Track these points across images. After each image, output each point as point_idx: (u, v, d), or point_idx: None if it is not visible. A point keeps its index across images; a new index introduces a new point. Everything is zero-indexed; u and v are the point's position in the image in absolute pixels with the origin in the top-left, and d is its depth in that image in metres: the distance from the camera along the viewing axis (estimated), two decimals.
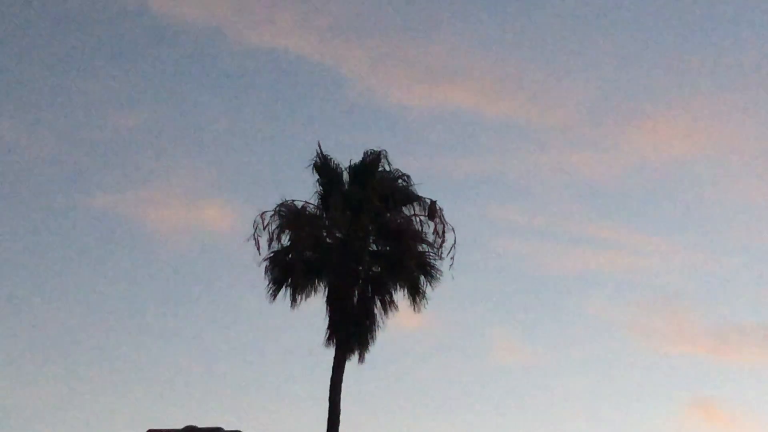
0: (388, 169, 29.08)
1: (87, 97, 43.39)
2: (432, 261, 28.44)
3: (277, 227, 28.34)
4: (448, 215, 28.70)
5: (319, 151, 29.02)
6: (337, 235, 28.75)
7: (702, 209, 44.32)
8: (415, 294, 28.22)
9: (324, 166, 29.02)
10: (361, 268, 28.46)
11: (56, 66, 44.50)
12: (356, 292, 28.35)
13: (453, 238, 28.43)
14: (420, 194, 28.98)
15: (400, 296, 28.37)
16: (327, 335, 28.17)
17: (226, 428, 12.23)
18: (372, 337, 28.27)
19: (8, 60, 43.52)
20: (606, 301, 43.72)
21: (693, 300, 44.34)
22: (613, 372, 42.69)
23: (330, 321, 28.18)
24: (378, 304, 28.45)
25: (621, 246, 44.21)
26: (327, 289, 28.38)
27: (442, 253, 28.39)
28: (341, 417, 27.47)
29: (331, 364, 27.86)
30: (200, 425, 12.29)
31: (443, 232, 28.50)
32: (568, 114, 44.21)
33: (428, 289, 28.36)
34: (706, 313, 44.69)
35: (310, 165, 29.03)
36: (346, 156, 29.22)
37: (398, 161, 29.25)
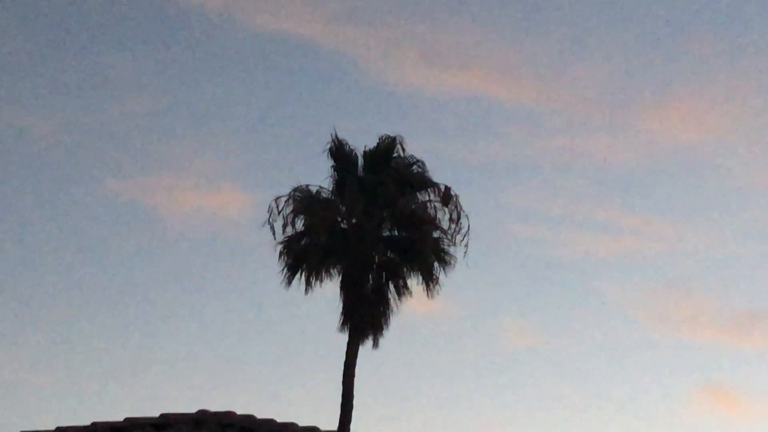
0: (402, 154, 29.06)
1: (99, 83, 43.40)
2: (446, 247, 28.42)
3: (291, 212, 28.35)
4: (462, 201, 28.67)
5: (334, 137, 29.01)
6: (352, 220, 28.73)
7: (717, 194, 44.19)
8: (429, 280, 28.19)
9: (339, 152, 28.98)
10: (375, 253, 28.44)
11: (68, 51, 44.51)
12: (370, 277, 28.35)
13: (467, 224, 28.44)
14: (435, 180, 28.95)
15: (414, 282, 28.37)
16: (341, 320, 28.19)
17: (238, 412, 12.23)
18: (386, 323, 28.28)
19: (20, 45, 43.55)
20: (620, 287, 43.65)
21: (706, 285, 44.25)
22: (627, 357, 42.65)
23: (344, 306, 28.18)
24: (392, 289, 28.45)
25: (635, 231, 44.12)
26: (341, 275, 28.37)
27: (456, 239, 28.38)
28: (354, 402, 27.50)
29: (345, 349, 27.88)
30: (212, 410, 12.27)
31: (458, 218, 28.47)
32: (582, 99, 44.08)
33: (442, 275, 28.36)
34: (720, 298, 44.59)
35: (324, 150, 29.02)
36: (360, 141, 29.22)
37: (413, 147, 29.23)
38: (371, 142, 29.08)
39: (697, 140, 43.87)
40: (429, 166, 29.00)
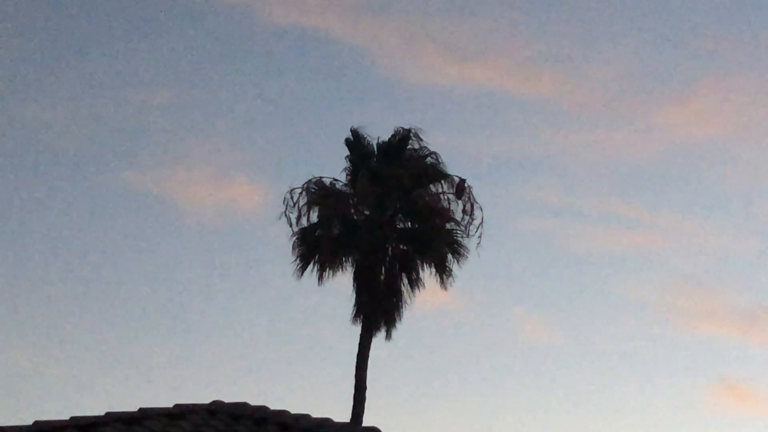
0: (417, 146, 29.06)
1: (116, 74, 43.46)
2: (459, 239, 28.43)
3: (305, 204, 28.40)
4: (476, 194, 28.67)
5: (350, 128, 29.06)
6: (366, 212, 28.77)
7: (733, 190, 44.01)
8: (442, 272, 28.19)
9: (354, 143, 29.02)
10: (388, 245, 28.46)
11: (85, 42, 44.59)
12: (383, 269, 28.35)
13: (480, 217, 28.45)
14: (449, 172, 28.95)
15: (427, 274, 28.37)
16: (354, 312, 28.23)
17: (251, 404, 12.27)
18: (399, 314, 28.29)
19: (37, 36, 43.67)
20: (635, 281, 43.54)
21: (722, 280, 44.11)
22: (641, 351, 42.54)
23: (357, 298, 28.21)
24: (405, 281, 28.45)
25: (651, 226, 43.99)
26: (354, 266, 28.40)
27: (469, 231, 28.39)
28: (367, 393, 27.54)
29: (358, 341, 27.92)
30: (226, 400, 12.34)
31: (472, 210, 28.48)
32: (598, 93, 43.99)
33: (455, 267, 28.36)
34: (735, 293, 44.45)
35: (340, 142, 29.08)
36: (375, 134, 29.22)
37: (428, 139, 29.20)
38: (386, 135, 29.13)
39: (714, 136, 43.76)
40: (444, 158, 29.03)
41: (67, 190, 43.14)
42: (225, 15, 43.73)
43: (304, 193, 28.50)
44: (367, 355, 27.74)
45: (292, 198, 28.40)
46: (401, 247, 28.64)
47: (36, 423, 12.27)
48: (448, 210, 28.68)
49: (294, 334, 40.05)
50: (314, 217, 28.51)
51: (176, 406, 13.10)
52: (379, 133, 29.20)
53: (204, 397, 13.41)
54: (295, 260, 28.27)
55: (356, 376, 27.54)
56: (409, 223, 28.93)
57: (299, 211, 28.33)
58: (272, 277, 39.26)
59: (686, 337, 43.24)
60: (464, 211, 28.48)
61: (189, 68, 43.84)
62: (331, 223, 28.26)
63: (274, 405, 13.08)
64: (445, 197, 28.88)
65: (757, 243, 43.12)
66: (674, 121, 43.26)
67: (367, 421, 26.93)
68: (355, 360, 27.73)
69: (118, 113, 42.60)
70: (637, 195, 44.10)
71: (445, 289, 28.41)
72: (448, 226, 28.59)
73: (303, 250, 28.27)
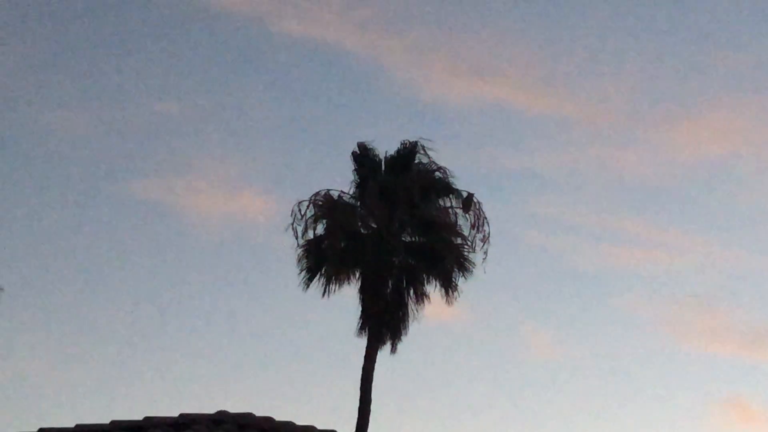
0: (425, 160, 29.06)
1: (124, 84, 43.60)
2: (466, 254, 28.38)
3: (312, 216, 28.41)
4: (484, 209, 28.64)
5: (357, 143, 29.07)
6: (372, 225, 28.77)
7: (739, 208, 44.03)
8: (448, 286, 28.17)
9: (362, 157, 29.04)
10: (395, 258, 28.44)
11: (96, 51, 44.74)
12: (390, 282, 28.34)
13: (487, 232, 28.41)
14: (457, 187, 28.93)
15: (433, 288, 28.35)
16: (359, 325, 28.22)
17: (257, 414, 12.32)
18: (404, 328, 28.28)
19: (48, 43, 43.81)
20: (641, 299, 43.57)
21: (728, 299, 44.09)
22: (646, 369, 42.54)
23: (363, 311, 28.21)
24: (411, 295, 28.43)
25: (657, 244, 44.03)
26: (360, 279, 28.39)
27: (475, 246, 28.35)
28: (372, 407, 27.53)
29: (363, 354, 27.91)
30: (232, 411, 12.38)
31: (480, 225, 28.43)
32: (607, 110, 44.05)
33: (461, 282, 28.33)
34: (741, 311, 44.43)
35: (348, 155, 29.09)
36: (384, 147, 29.25)
37: (436, 153, 29.19)
38: (394, 149, 29.12)
39: (724, 154, 43.80)
40: (452, 172, 29.00)
41: (75, 199, 43.25)
42: (236, 26, 43.85)
43: (311, 205, 28.52)
44: (372, 368, 27.73)
45: (299, 210, 28.44)
46: (408, 260, 28.63)
47: (41, 430, 12.31)
48: (456, 224, 28.66)
49: (300, 346, 40.09)
50: (321, 229, 28.51)
51: (181, 415, 13.13)
52: (388, 146, 29.25)
53: (209, 407, 13.45)
54: (302, 272, 28.28)
55: (361, 388, 27.53)
56: (416, 237, 28.92)
57: (306, 223, 28.36)
58: (278, 289, 39.37)
59: (694, 355, 43.23)
60: (472, 226, 28.47)
61: (199, 78, 43.97)
62: (338, 235, 28.25)
63: (279, 416, 13.12)
64: (453, 211, 28.87)
65: (765, 261, 43.08)
66: (684, 139, 43.30)
67: None
68: (360, 373, 27.73)
69: (126, 122, 42.74)
70: (646, 212, 44.14)
71: (451, 304, 28.40)
72: (455, 240, 28.55)
73: (309, 263, 28.27)
